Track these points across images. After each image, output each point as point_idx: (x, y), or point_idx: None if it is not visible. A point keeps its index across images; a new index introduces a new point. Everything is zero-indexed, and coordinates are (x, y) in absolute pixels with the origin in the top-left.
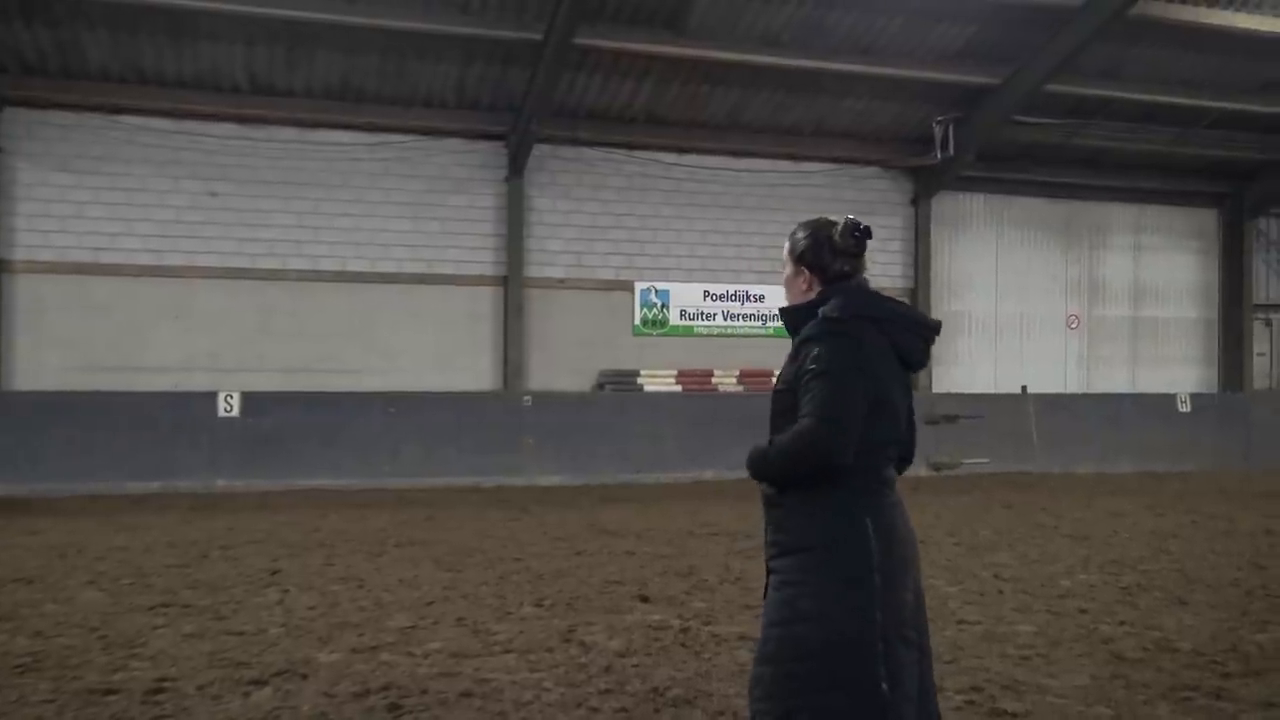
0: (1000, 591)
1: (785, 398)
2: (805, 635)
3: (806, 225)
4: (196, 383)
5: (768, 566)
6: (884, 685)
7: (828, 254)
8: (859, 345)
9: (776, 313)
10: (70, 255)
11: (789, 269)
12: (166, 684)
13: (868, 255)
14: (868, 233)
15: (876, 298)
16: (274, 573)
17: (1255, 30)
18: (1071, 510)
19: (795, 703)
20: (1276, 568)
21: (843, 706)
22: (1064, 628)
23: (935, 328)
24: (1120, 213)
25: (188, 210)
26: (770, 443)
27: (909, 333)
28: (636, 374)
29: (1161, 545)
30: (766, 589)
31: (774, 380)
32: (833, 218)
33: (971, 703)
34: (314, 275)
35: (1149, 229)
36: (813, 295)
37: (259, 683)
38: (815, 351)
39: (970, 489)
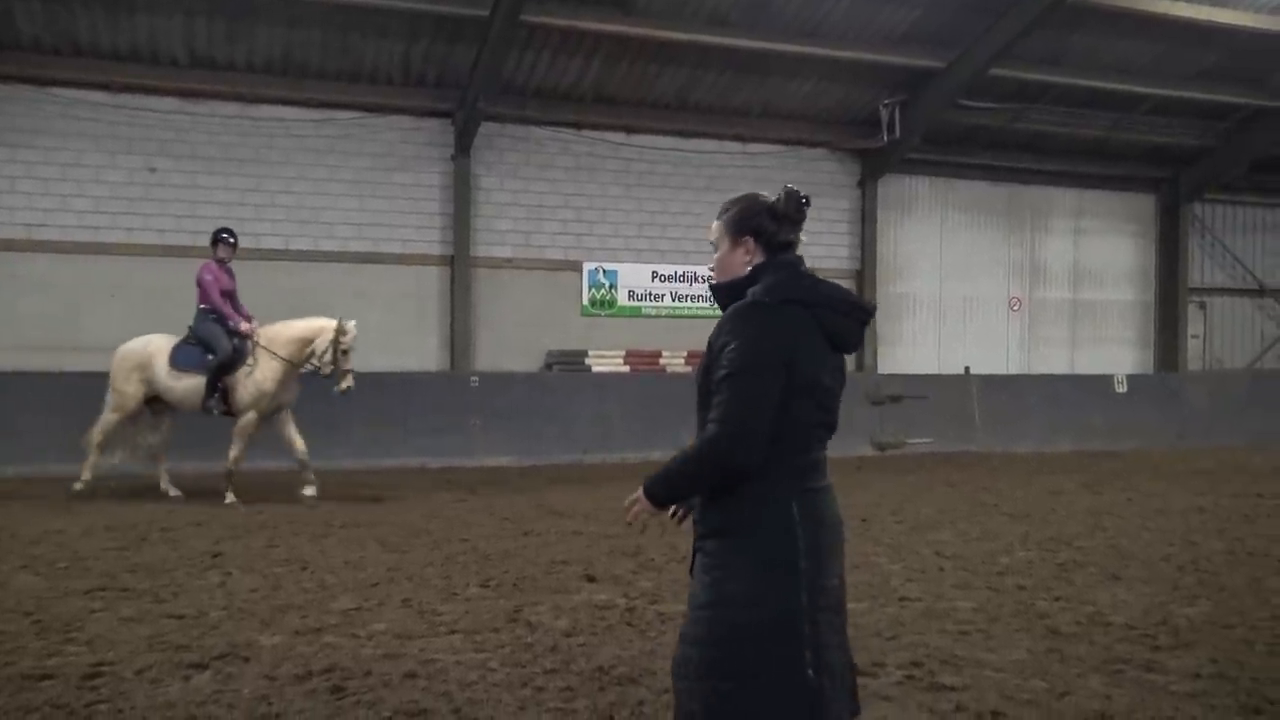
0: (941, 569)
1: (705, 379)
2: (731, 618)
3: (739, 199)
4: None
5: (694, 545)
6: (810, 670)
7: (770, 221)
8: (780, 330)
9: (709, 291)
10: (1, 232)
11: (725, 245)
12: (104, 668)
13: (813, 237)
14: (808, 201)
15: (807, 279)
16: (215, 555)
17: (1193, 18)
18: (1011, 489)
19: (721, 685)
20: (1207, 544)
21: (769, 690)
22: (1002, 604)
23: (870, 310)
24: (1061, 197)
25: (125, 186)
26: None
27: (841, 315)
28: (584, 354)
29: (1097, 522)
30: (693, 567)
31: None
32: (763, 193)
33: (911, 677)
34: (256, 254)
35: (1088, 213)
36: (749, 269)
37: (199, 666)
38: (731, 344)
39: (914, 468)
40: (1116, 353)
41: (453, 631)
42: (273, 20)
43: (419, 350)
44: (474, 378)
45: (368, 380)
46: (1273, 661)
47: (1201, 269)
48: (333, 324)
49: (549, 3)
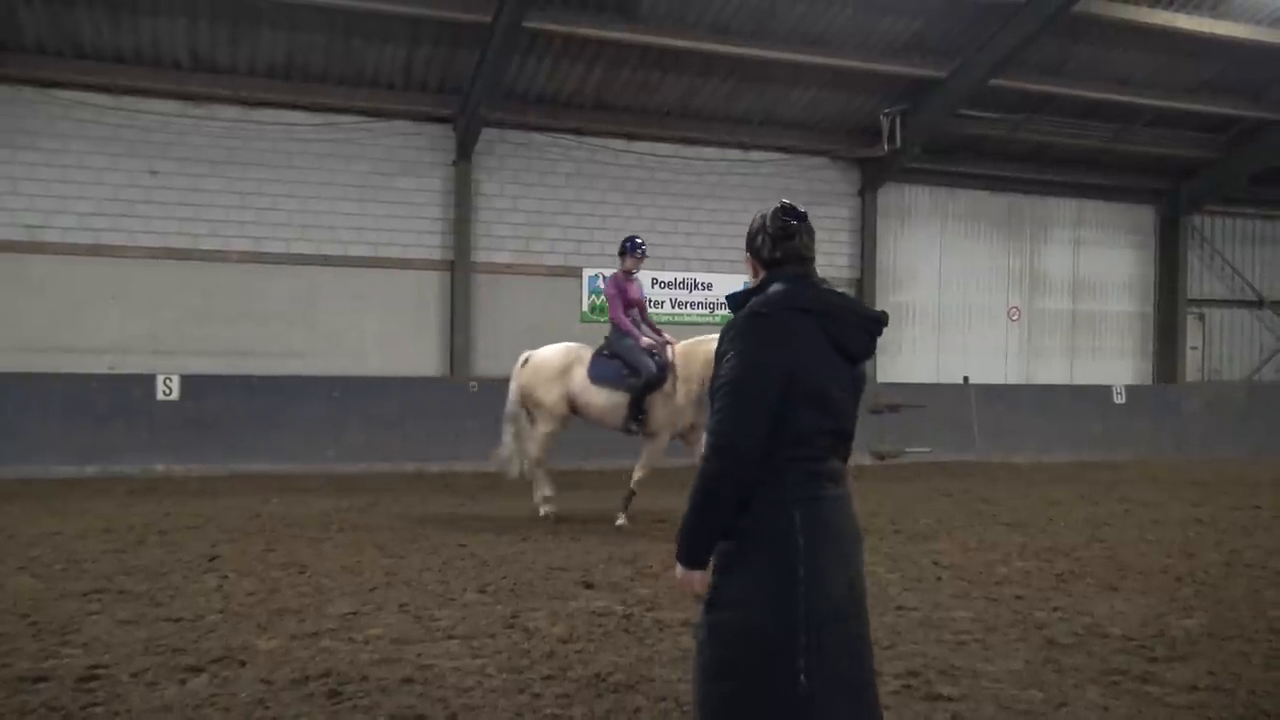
0: (939, 578)
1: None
2: (729, 621)
3: (760, 211)
4: (135, 365)
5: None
6: (802, 677)
7: (760, 239)
8: (776, 340)
9: (724, 301)
10: (1, 233)
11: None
12: (100, 671)
13: (815, 247)
14: (795, 216)
15: (811, 289)
16: (213, 558)
17: (1194, 31)
18: (1009, 499)
19: (721, 686)
20: (1205, 555)
21: (760, 694)
22: (999, 614)
23: (880, 320)
24: (1061, 207)
25: (127, 189)
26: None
27: (848, 325)
28: None
29: (1095, 533)
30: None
31: None
32: (783, 204)
33: (909, 687)
34: (257, 257)
35: (1088, 224)
36: (756, 283)
37: (195, 670)
38: (729, 354)
39: (912, 477)
40: (1115, 363)
41: (450, 637)
42: (275, 24)
43: (418, 355)
44: (473, 383)
45: (366, 384)
46: (1270, 674)
47: (1200, 280)
48: None
49: (551, 9)
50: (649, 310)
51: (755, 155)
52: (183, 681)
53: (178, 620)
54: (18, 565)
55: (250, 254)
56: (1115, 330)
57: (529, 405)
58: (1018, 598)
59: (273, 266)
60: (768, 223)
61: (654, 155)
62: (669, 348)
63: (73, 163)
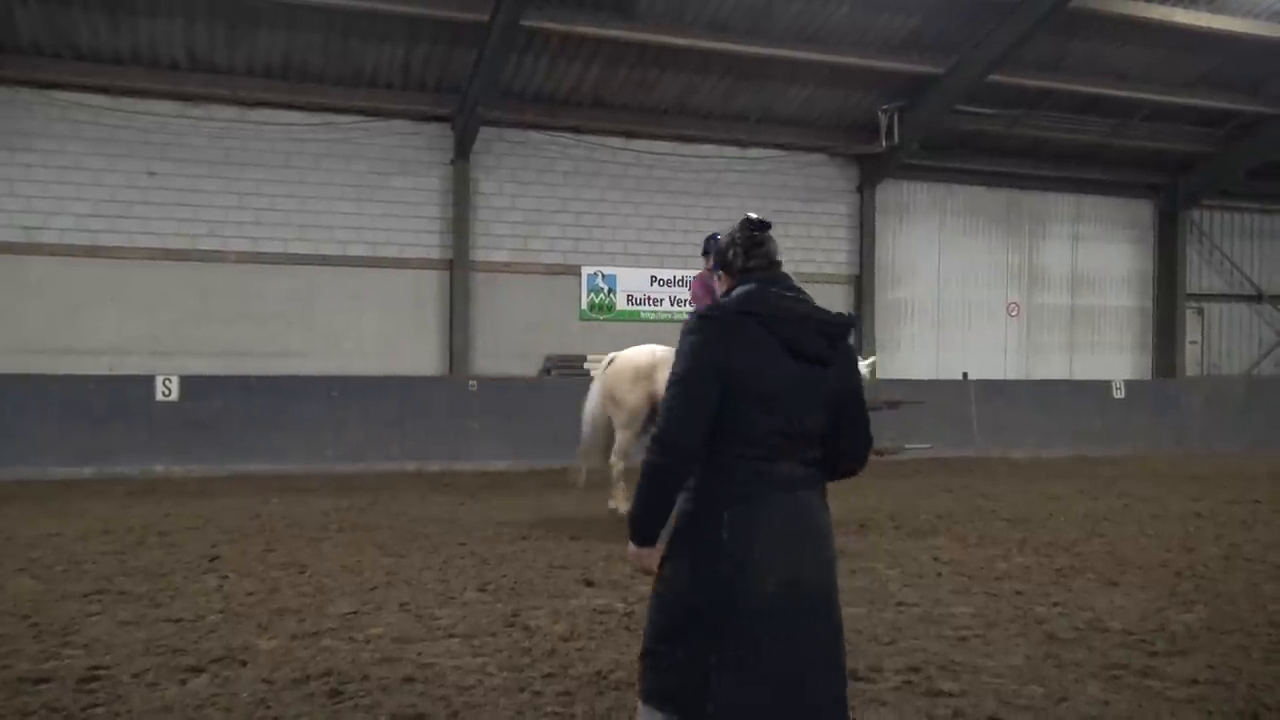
0: (939, 574)
1: None
2: (661, 594)
3: (726, 232)
4: (133, 366)
5: None
6: (711, 657)
7: (732, 252)
8: (712, 340)
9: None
10: (0, 235)
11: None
12: (100, 672)
13: (812, 242)
14: (762, 226)
15: (764, 293)
16: (213, 559)
17: (1192, 25)
18: (1009, 494)
19: (646, 646)
20: (1204, 550)
21: (674, 669)
22: (1000, 609)
23: (840, 323)
24: (1059, 202)
25: (124, 189)
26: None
27: (803, 328)
28: (583, 359)
29: (1094, 528)
30: None
31: None
32: (751, 216)
33: (909, 683)
34: (255, 257)
35: (1086, 219)
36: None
37: (196, 670)
38: (677, 354)
39: (911, 474)
40: (1114, 358)
41: (450, 635)
42: (273, 24)
43: (417, 354)
44: (472, 382)
45: (365, 383)
46: (1270, 667)
47: (1199, 275)
48: None
49: (548, 7)
50: None
51: (753, 152)
52: (183, 682)
53: (178, 621)
54: (18, 567)
55: (248, 254)
56: (1114, 325)
57: (609, 406)
58: (1018, 593)
59: (271, 266)
60: (738, 237)
61: (652, 153)
62: None
63: (70, 164)
